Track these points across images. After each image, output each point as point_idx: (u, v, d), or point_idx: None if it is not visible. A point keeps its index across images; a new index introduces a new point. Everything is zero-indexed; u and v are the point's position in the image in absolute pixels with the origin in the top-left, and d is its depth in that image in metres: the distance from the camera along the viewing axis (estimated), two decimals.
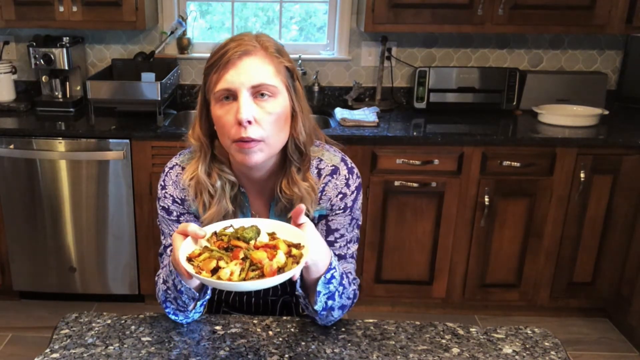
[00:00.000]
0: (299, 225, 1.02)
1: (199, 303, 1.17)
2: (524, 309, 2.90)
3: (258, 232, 1.01)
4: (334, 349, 1.14)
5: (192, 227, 1.00)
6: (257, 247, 0.98)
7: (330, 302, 1.14)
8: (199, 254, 0.98)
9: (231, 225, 1.04)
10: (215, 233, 1.03)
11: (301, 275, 1.12)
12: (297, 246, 0.99)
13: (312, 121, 1.22)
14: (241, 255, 0.96)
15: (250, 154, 1.11)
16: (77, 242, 2.81)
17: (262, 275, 0.93)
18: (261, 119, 1.09)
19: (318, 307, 1.13)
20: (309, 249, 0.98)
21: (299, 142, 1.17)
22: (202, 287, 1.16)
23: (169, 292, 1.14)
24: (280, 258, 0.95)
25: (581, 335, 2.77)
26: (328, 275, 1.10)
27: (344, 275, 1.17)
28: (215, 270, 0.94)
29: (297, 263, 0.95)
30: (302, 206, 1.03)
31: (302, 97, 1.18)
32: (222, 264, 0.95)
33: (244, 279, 0.93)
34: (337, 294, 1.14)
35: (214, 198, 1.19)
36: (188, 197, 1.22)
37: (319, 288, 1.10)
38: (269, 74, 1.10)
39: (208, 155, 1.18)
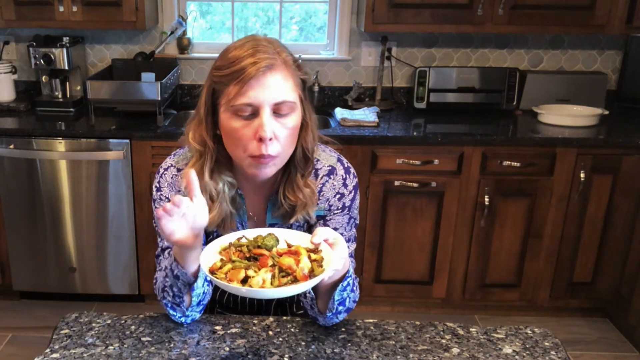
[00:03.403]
0: (330, 245, 1.01)
1: (194, 301, 1.17)
2: (524, 309, 2.90)
3: (277, 240, 1.02)
4: (334, 349, 1.14)
5: (176, 199, 1.00)
6: (279, 254, 0.98)
7: (340, 308, 1.15)
8: (221, 267, 0.97)
9: (243, 236, 1.04)
10: (231, 244, 1.03)
11: None
12: (315, 251, 1.00)
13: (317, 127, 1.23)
14: (269, 262, 0.96)
15: (264, 169, 1.12)
16: (77, 242, 2.81)
17: (295, 280, 0.93)
18: (279, 134, 1.09)
19: (329, 312, 1.14)
20: (329, 254, 0.98)
21: (308, 151, 1.18)
22: (198, 274, 1.15)
23: (167, 279, 1.14)
24: (306, 262, 0.96)
25: (581, 335, 2.77)
26: (345, 283, 1.11)
27: (354, 280, 1.18)
28: (244, 281, 0.94)
29: (321, 266, 0.96)
30: (317, 239, 1.01)
31: (311, 106, 1.19)
32: (250, 273, 0.94)
33: (278, 287, 0.93)
34: (348, 299, 1.15)
35: (215, 202, 1.18)
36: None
37: (335, 295, 1.11)
38: (289, 90, 1.10)
39: (214, 159, 1.17)
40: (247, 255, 0.99)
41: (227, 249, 1.02)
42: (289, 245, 1.03)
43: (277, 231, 1.06)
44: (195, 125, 1.18)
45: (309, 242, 1.00)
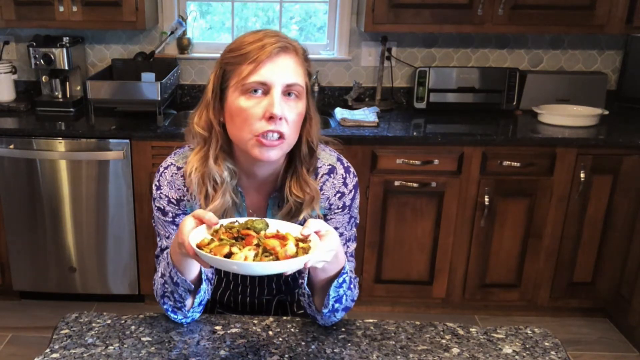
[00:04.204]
0: (321, 237, 1.02)
1: (196, 301, 1.17)
2: (524, 309, 2.90)
3: (267, 225, 1.03)
4: (334, 349, 1.14)
5: (209, 214, 1.01)
6: (267, 237, 0.99)
7: (337, 305, 1.15)
8: (209, 243, 0.98)
9: (237, 221, 1.05)
10: (222, 225, 1.04)
11: (309, 274, 1.13)
12: (304, 240, 1.00)
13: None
14: (254, 242, 0.97)
15: (269, 150, 1.11)
16: (77, 242, 2.81)
17: (277, 260, 0.94)
18: (287, 116, 1.10)
19: (325, 309, 1.14)
20: (317, 244, 0.98)
21: (312, 144, 1.18)
22: (198, 280, 1.15)
23: (167, 285, 1.14)
24: (292, 247, 0.96)
25: (581, 335, 2.77)
26: (340, 280, 1.11)
27: (352, 279, 1.17)
28: (228, 257, 0.94)
29: (307, 254, 0.96)
30: (309, 230, 1.01)
31: (314, 102, 1.20)
32: (234, 249, 0.95)
33: None
34: (344, 297, 1.15)
35: (218, 191, 1.17)
36: (184, 196, 1.21)
37: (330, 291, 1.11)
38: (300, 75, 1.12)
39: (220, 143, 1.17)
40: (236, 235, 1.00)
41: (218, 231, 1.03)
42: (278, 232, 1.03)
43: (271, 221, 1.06)
44: (201, 110, 1.18)
45: (299, 233, 1.01)
